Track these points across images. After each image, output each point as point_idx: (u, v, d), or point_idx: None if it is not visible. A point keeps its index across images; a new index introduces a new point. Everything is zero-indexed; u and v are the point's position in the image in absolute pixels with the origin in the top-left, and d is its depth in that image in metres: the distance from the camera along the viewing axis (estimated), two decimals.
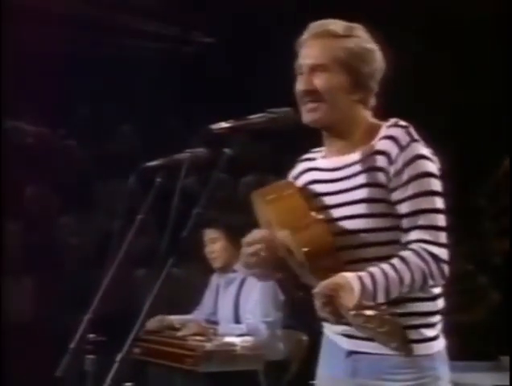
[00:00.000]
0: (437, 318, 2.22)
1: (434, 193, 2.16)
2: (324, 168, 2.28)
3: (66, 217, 6.09)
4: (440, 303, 2.22)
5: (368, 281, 2.06)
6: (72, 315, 2.85)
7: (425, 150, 2.19)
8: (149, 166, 2.66)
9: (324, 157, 2.31)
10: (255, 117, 2.19)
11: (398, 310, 2.12)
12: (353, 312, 1.97)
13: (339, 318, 2.03)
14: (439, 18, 6.00)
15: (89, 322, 2.50)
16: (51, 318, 5.05)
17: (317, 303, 2.04)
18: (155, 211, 2.65)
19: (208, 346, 3.98)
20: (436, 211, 2.15)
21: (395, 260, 2.11)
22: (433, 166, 2.18)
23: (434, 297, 2.20)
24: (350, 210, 2.18)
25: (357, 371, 2.20)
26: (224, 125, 2.17)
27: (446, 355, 2.24)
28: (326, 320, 2.11)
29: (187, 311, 4.47)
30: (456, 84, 5.93)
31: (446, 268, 2.14)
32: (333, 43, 2.22)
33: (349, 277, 2.06)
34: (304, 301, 2.20)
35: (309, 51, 2.24)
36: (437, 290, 2.20)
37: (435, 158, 2.21)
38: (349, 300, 2.01)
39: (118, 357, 2.03)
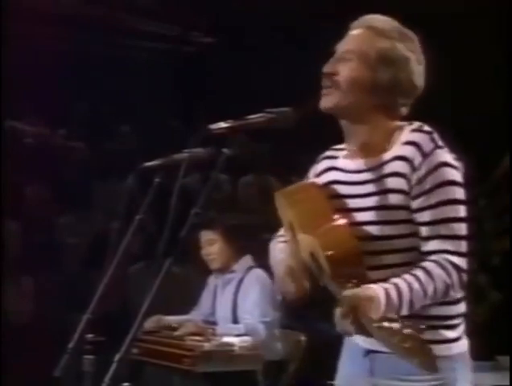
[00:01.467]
0: (459, 320, 2.19)
1: (457, 201, 2.13)
2: (346, 169, 2.25)
3: (65, 217, 6.10)
4: (462, 307, 2.20)
5: (394, 293, 2.04)
6: (70, 315, 2.86)
7: (449, 157, 2.15)
8: (148, 166, 2.66)
9: (345, 157, 2.28)
10: (254, 117, 2.17)
11: (422, 314, 2.10)
12: (376, 325, 1.94)
13: (359, 330, 2.01)
14: (435, 16, 6.00)
15: (88, 322, 2.49)
16: (50, 318, 5.05)
17: (339, 312, 2.02)
18: (154, 212, 2.65)
19: (207, 346, 3.98)
20: (459, 219, 2.13)
21: (419, 272, 2.08)
22: (457, 174, 2.15)
23: (456, 301, 2.18)
24: (370, 215, 2.15)
25: (375, 370, 2.20)
26: (223, 125, 2.17)
27: (468, 357, 2.21)
28: (344, 331, 2.08)
29: (185, 311, 4.46)
30: (455, 83, 5.93)
31: (465, 277, 2.12)
32: (370, 38, 2.19)
33: (376, 288, 2.03)
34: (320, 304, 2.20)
35: (348, 38, 2.23)
36: (459, 294, 2.18)
37: (458, 164, 2.17)
38: (375, 312, 1.99)
39: (116, 357, 2.03)
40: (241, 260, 4.33)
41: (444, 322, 2.16)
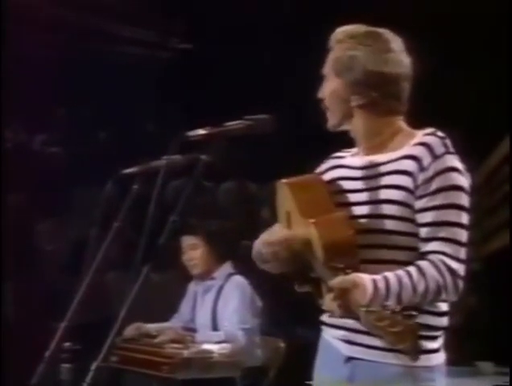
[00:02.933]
0: (440, 332, 2.21)
1: (461, 207, 2.14)
2: (353, 166, 2.29)
3: (42, 224, 6.06)
4: (445, 320, 2.22)
5: (382, 285, 2.06)
6: (47, 323, 2.83)
7: (459, 164, 2.18)
8: (126, 172, 2.65)
9: (353, 155, 2.33)
10: (232, 124, 2.19)
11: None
12: (365, 308, 1.96)
13: (347, 313, 2.03)
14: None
15: (65, 329, 2.48)
16: (26, 326, 5.01)
17: (330, 295, 2.04)
18: (132, 218, 2.64)
19: (186, 353, 3.97)
20: (460, 225, 2.14)
21: (412, 269, 2.10)
22: (464, 181, 2.16)
23: (441, 314, 2.19)
24: (372, 209, 2.18)
25: (355, 377, 2.20)
26: (201, 131, 2.17)
27: (445, 368, 2.23)
28: (331, 314, 2.12)
29: (165, 319, 4.45)
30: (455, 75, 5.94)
31: (461, 283, 2.13)
32: (332, 53, 2.29)
33: (364, 277, 2.06)
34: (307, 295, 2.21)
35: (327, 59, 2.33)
36: (445, 307, 2.20)
37: (467, 174, 2.19)
38: (361, 299, 2.01)
39: (94, 365, 2.02)
40: (221, 267, 4.32)
41: (427, 332, 2.16)
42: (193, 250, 4.29)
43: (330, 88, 2.27)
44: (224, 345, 4.07)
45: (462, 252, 2.14)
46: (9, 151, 6.76)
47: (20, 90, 6.45)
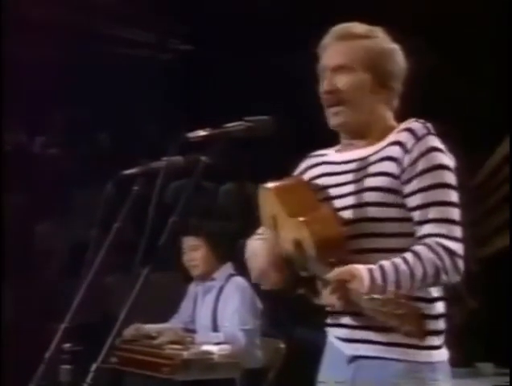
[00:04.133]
0: (440, 327, 2.19)
1: (448, 186, 2.14)
2: (336, 161, 2.29)
3: (42, 225, 6.06)
4: (439, 307, 2.19)
5: (377, 274, 2.05)
6: (47, 324, 2.83)
7: (441, 145, 2.19)
8: (126, 173, 2.64)
9: (336, 151, 2.32)
10: (232, 126, 2.18)
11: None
12: (367, 296, 1.96)
13: (348, 304, 2.03)
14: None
15: (65, 331, 2.48)
16: (26, 327, 5.01)
17: (328, 289, 2.04)
18: (132, 220, 2.64)
19: (186, 354, 3.97)
20: (450, 204, 2.13)
21: (407, 254, 2.09)
22: (448, 160, 2.17)
23: (431, 300, 2.17)
24: (360, 198, 2.17)
25: (358, 377, 2.19)
26: (201, 132, 2.17)
27: (448, 366, 2.21)
28: (332, 308, 2.11)
29: (165, 320, 4.45)
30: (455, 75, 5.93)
31: (461, 263, 2.11)
32: (355, 44, 2.24)
33: (360, 268, 2.05)
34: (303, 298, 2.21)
35: (332, 52, 2.26)
36: (436, 293, 2.18)
37: (450, 155, 2.20)
38: (359, 288, 2.01)
39: (93, 367, 2.02)
40: (221, 267, 4.33)
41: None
42: (194, 251, 4.30)
43: (357, 81, 2.22)
44: (224, 346, 4.07)
45: (457, 231, 2.13)
46: (9, 153, 6.76)
47: (20, 92, 6.45)
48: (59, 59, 7.23)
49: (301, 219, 2.16)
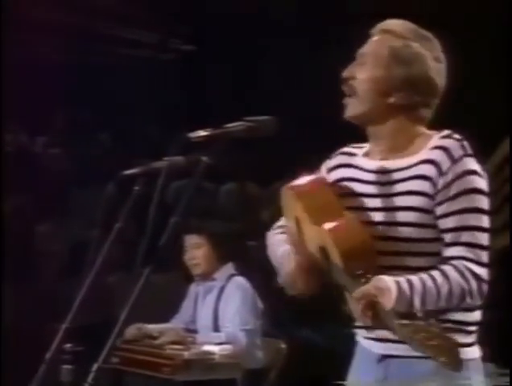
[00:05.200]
0: (474, 327, 2.19)
1: (481, 211, 2.12)
2: (366, 168, 2.23)
3: (43, 225, 6.05)
4: (478, 315, 2.19)
5: (405, 286, 2.04)
6: (48, 324, 2.83)
7: (477, 166, 2.15)
8: (127, 174, 2.64)
9: (366, 155, 2.26)
10: (233, 126, 2.17)
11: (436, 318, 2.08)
12: (398, 322, 1.93)
13: (380, 325, 2.00)
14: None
15: (66, 331, 2.47)
16: (27, 328, 5.01)
17: (358, 309, 2.02)
18: (134, 220, 2.64)
19: (187, 354, 3.97)
20: (481, 229, 2.12)
21: (435, 273, 2.08)
22: (484, 183, 2.14)
23: (472, 309, 2.17)
24: (391, 216, 2.14)
25: (389, 376, 2.17)
26: (202, 133, 2.17)
27: (482, 365, 2.20)
28: (365, 326, 2.09)
29: (166, 320, 4.45)
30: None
31: (486, 288, 2.12)
32: (383, 40, 2.20)
33: (387, 279, 2.03)
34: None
35: (368, 43, 2.23)
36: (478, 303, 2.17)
37: (485, 175, 2.16)
38: (388, 303, 1.99)
39: (94, 367, 2.01)
40: (222, 268, 4.32)
41: (459, 326, 2.15)
42: (196, 249, 4.29)
43: (370, 74, 2.17)
44: (225, 346, 4.06)
45: (484, 256, 2.12)
46: (9, 153, 6.76)
47: (20, 92, 6.45)
48: (59, 59, 7.23)
49: (325, 227, 2.11)
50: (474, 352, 2.19)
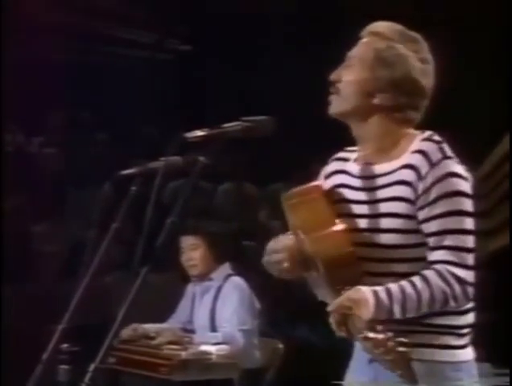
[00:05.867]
0: (466, 330, 2.18)
1: (464, 213, 2.10)
2: (354, 174, 2.23)
3: (40, 226, 6.05)
4: (470, 317, 2.18)
5: (383, 295, 2.04)
6: (44, 325, 2.83)
7: (458, 168, 2.13)
8: (124, 174, 2.64)
9: (355, 160, 2.26)
10: (230, 126, 2.16)
11: (419, 328, 2.10)
12: (362, 335, 1.96)
13: (351, 337, 2.02)
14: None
15: (63, 331, 2.47)
16: (24, 328, 5.01)
17: (332, 320, 2.03)
18: (130, 220, 2.64)
19: (184, 354, 3.97)
20: (464, 231, 2.10)
21: (415, 278, 2.07)
22: (465, 185, 2.12)
23: (464, 312, 2.16)
24: (376, 222, 2.14)
25: (378, 377, 2.17)
26: (199, 133, 2.17)
27: (475, 367, 2.18)
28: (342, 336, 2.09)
29: (163, 320, 4.45)
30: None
31: (471, 290, 2.10)
32: (369, 42, 2.20)
33: (365, 290, 2.04)
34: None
35: (357, 45, 2.24)
36: (469, 304, 2.16)
37: (468, 175, 2.15)
38: (364, 314, 2.00)
39: (91, 367, 2.01)
40: (219, 268, 4.32)
41: (450, 329, 2.14)
42: (193, 250, 4.29)
43: (355, 76, 2.18)
44: (222, 346, 4.06)
45: (469, 259, 2.10)
46: (8, 153, 6.75)
47: (20, 92, 6.45)
48: (58, 59, 7.23)
49: (313, 236, 2.13)
50: (467, 354, 2.18)
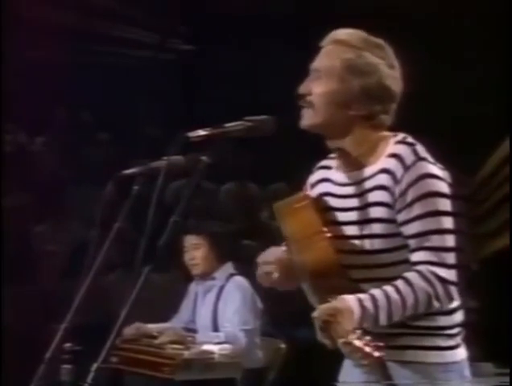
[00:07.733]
0: (455, 330, 2.18)
1: (440, 213, 2.11)
2: (336, 181, 2.25)
3: (42, 225, 6.05)
4: (458, 316, 2.19)
5: (369, 303, 2.05)
6: (47, 324, 2.83)
7: (432, 168, 2.14)
8: (126, 173, 2.64)
9: (337, 168, 2.27)
10: (232, 125, 2.17)
11: (406, 331, 2.12)
12: (342, 340, 1.98)
13: (334, 344, 2.03)
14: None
15: (65, 331, 2.48)
16: (26, 328, 5.01)
17: (316, 326, 2.04)
18: (133, 219, 2.64)
19: (186, 354, 3.98)
20: (443, 231, 2.11)
21: (399, 282, 2.08)
22: (441, 184, 2.13)
23: (450, 312, 2.16)
24: (361, 229, 2.15)
25: (370, 379, 2.17)
26: (201, 132, 2.17)
27: (465, 367, 2.19)
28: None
29: (165, 319, 4.45)
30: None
31: (453, 289, 2.11)
32: (335, 52, 2.19)
33: (349, 299, 2.05)
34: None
35: (319, 55, 2.23)
36: (454, 304, 2.17)
37: (444, 174, 2.16)
38: (349, 324, 2.01)
39: (94, 366, 2.02)
40: (222, 267, 4.33)
41: (437, 331, 2.15)
42: (195, 249, 4.30)
43: (325, 88, 2.17)
44: (224, 346, 4.07)
45: (450, 258, 2.11)
46: (8, 153, 6.76)
47: (20, 92, 6.45)
48: (59, 59, 7.23)
49: (299, 245, 2.16)
50: (457, 355, 2.18)
